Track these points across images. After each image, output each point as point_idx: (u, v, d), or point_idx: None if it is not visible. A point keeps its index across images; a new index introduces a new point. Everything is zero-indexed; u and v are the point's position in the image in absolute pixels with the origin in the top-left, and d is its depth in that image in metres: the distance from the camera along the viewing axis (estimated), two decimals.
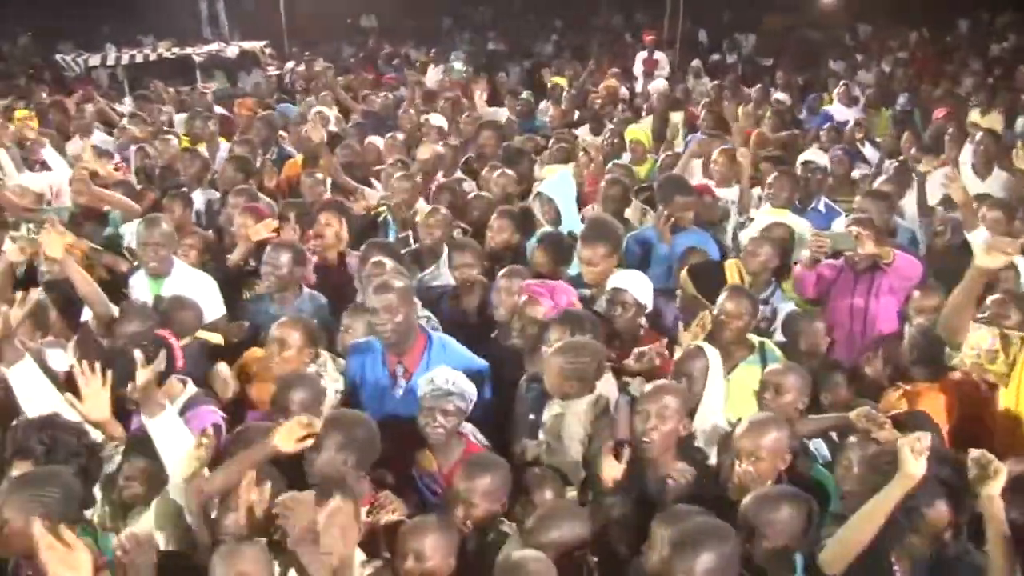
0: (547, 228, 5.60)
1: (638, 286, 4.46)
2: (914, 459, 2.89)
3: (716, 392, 4.07)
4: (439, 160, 7.40)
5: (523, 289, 4.38)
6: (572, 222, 5.56)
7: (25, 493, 2.85)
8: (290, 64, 15.70)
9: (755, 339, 4.30)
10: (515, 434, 4.00)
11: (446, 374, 3.75)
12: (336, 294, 5.12)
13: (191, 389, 3.97)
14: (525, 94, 11.41)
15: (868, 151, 8.96)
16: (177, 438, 3.40)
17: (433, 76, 13.75)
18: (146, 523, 3.27)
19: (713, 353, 4.10)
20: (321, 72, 12.93)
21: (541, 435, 3.86)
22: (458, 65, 13.90)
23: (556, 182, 5.70)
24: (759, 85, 11.73)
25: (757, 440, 3.33)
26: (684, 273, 4.95)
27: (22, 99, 11.59)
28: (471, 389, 3.76)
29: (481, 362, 4.22)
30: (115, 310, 4.49)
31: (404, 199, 6.18)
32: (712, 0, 19.85)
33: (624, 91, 12.41)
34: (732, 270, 5.13)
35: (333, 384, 4.15)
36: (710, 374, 4.06)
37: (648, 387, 3.62)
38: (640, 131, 8.46)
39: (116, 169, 7.38)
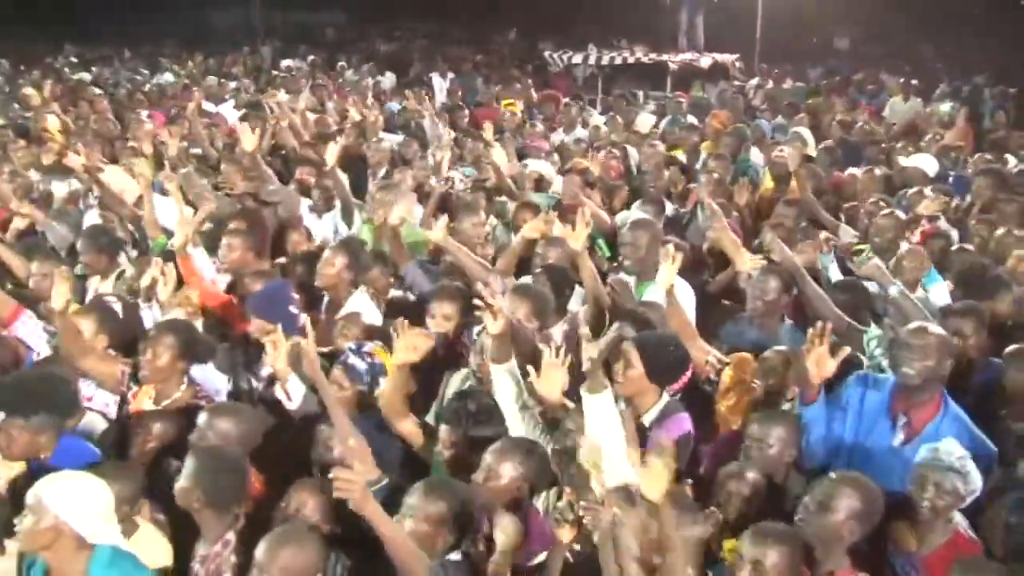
0: None
1: None
2: None
3: None
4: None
5: None
6: None
7: None
8: (753, 81, 15.55)
9: None
10: None
11: (956, 450, 3.43)
12: None
13: (665, 398, 3.99)
14: None
15: None
16: (608, 420, 3.44)
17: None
18: None
19: None
20: (784, 91, 12.62)
21: None
22: (944, 107, 12.59)
23: None
24: None
25: None
26: None
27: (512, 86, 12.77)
28: (977, 479, 3.40)
29: (991, 447, 3.81)
30: None
31: (890, 238, 5.76)
32: None
33: None
34: None
35: None
36: None
37: None
38: None
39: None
